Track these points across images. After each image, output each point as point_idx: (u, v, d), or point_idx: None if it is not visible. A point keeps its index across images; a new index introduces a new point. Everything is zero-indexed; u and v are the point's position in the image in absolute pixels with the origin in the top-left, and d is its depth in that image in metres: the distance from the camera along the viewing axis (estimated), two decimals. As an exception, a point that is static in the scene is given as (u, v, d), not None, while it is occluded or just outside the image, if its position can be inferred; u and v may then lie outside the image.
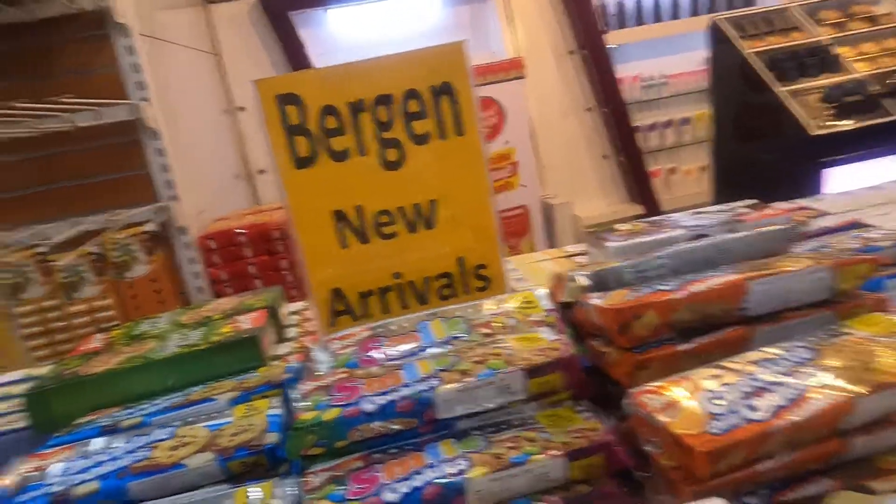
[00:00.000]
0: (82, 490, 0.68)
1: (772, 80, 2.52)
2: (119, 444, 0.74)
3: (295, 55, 4.05)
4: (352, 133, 0.89)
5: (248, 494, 0.66)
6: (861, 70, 2.73)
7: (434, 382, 0.66)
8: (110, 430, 0.79)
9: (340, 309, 0.95)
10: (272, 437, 0.71)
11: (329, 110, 0.88)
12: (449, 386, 0.65)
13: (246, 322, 0.97)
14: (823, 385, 0.55)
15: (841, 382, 0.55)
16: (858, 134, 2.48)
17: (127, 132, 2.46)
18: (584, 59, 4.33)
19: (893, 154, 2.48)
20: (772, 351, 0.61)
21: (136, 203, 2.49)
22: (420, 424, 0.66)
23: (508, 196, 3.75)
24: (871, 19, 2.98)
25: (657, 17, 4.56)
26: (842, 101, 2.54)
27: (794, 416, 0.53)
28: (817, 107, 2.52)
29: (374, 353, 0.77)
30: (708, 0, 4.60)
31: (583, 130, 4.50)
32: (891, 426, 0.55)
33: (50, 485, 0.69)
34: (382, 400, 0.65)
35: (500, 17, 4.20)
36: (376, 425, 0.65)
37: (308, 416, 0.65)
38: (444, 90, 0.89)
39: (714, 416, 0.54)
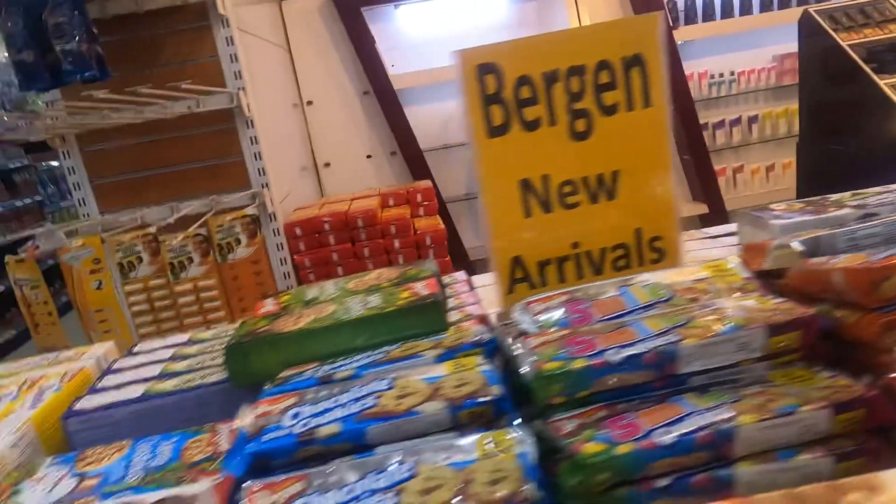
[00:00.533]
0: (325, 431, 0.71)
1: (872, 73, 2.47)
2: (341, 393, 0.78)
3: (365, 50, 4.11)
4: (544, 103, 0.91)
5: (485, 442, 0.69)
6: (962, 64, 2.64)
7: (673, 337, 0.67)
8: (326, 381, 0.83)
9: (519, 277, 0.97)
10: (495, 390, 0.73)
11: (524, 80, 0.90)
12: (693, 340, 0.66)
13: (422, 288, 1.00)
14: None
15: None
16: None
17: (225, 120, 2.54)
18: (651, 55, 4.28)
19: None
20: None
21: (231, 189, 2.58)
22: (655, 379, 0.68)
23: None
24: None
25: (727, 13, 4.48)
26: (944, 94, 2.46)
27: None
28: (920, 100, 2.45)
29: (585, 314, 0.79)
30: (779, -5, 4.50)
31: (648, 127, 4.45)
32: None
33: (290, 426, 0.73)
34: (628, 352, 0.66)
35: (568, 13, 4.20)
36: (617, 377, 0.67)
37: (553, 365, 0.67)
38: (635, 62, 0.91)
39: None
